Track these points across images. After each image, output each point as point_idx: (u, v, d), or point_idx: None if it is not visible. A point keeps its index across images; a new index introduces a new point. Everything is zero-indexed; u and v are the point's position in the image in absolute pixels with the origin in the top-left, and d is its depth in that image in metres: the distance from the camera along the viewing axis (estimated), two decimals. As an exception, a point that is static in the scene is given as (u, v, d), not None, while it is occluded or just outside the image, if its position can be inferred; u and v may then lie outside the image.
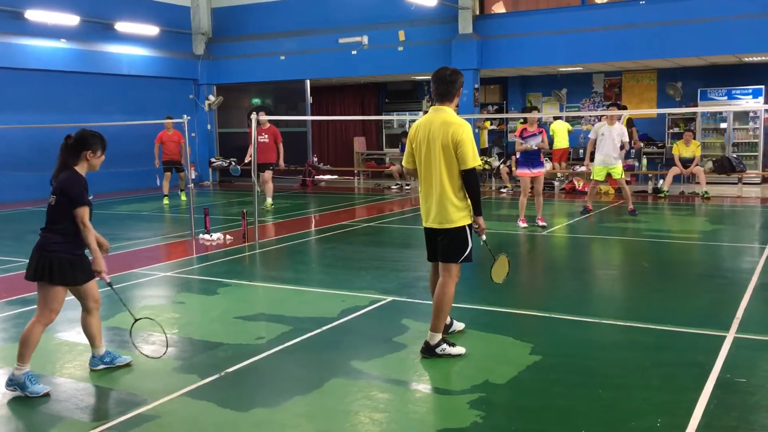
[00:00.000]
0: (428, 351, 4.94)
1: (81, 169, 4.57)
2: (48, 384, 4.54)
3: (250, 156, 13.53)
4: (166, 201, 15.01)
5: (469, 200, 4.87)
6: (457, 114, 5.03)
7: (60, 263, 4.43)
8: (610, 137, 11.54)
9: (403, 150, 18.32)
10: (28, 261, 4.53)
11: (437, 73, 4.95)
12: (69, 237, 4.49)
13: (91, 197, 4.52)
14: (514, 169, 16.87)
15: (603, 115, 11.98)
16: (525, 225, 10.58)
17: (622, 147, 11.65)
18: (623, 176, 11.98)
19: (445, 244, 4.95)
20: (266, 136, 13.88)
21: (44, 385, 4.46)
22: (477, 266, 8.56)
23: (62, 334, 5.65)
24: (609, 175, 12.03)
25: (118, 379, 4.69)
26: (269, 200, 13.76)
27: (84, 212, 4.45)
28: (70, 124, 16.21)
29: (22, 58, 16.50)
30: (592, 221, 11.66)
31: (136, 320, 4.97)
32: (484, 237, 5.04)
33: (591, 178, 12.35)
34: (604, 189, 15.24)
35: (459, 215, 4.85)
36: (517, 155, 11.10)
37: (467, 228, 4.91)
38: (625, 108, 17.86)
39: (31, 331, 4.45)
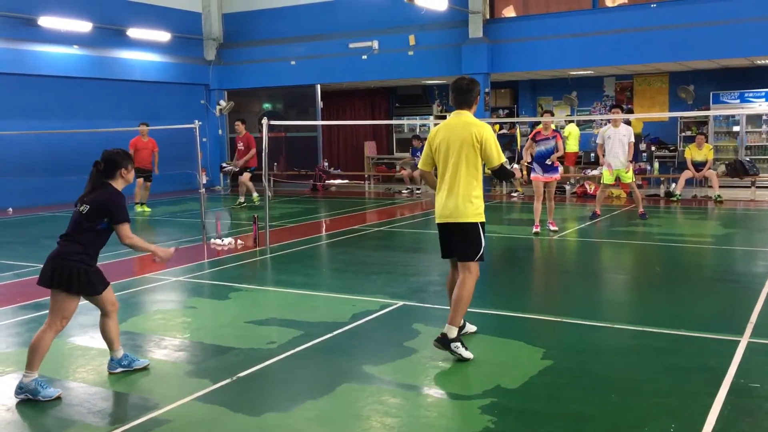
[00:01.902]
0: (443, 342, 4.98)
1: (118, 186, 4.65)
2: (61, 388, 4.57)
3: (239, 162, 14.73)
4: (139, 209, 14.73)
5: (481, 198, 5.13)
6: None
7: (79, 274, 4.45)
8: (617, 139, 11.53)
9: (413, 153, 18.38)
10: (42, 266, 4.54)
11: (455, 84, 5.21)
12: (89, 249, 4.51)
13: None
14: (524, 174, 16.87)
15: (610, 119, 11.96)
16: (537, 230, 10.51)
17: (629, 148, 11.64)
18: (633, 180, 11.94)
19: (461, 242, 5.14)
20: (241, 144, 15.42)
21: (55, 388, 4.48)
22: (487, 272, 8.55)
23: (75, 339, 5.68)
24: (619, 178, 11.99)
25: (131, 384, 4.72)
26: (241, 198, 15.26)
27: (126, 229, 4.53)
28: (83, 130, 16.40)
29: (35, 65, 16.66)
30: (604, 225, 11.61)
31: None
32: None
33: (600, 182, 12.30)
34: (616, 192, 15.18)
35: (474, 212, 5.08)
36: (527, 161, 11.01)
37: (480, 226, 5.12)
38: (631, 111, 17.80)
39: (41, 338, 4.46)
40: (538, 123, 17.82)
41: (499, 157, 5.03)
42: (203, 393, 4.48)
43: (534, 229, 10.55)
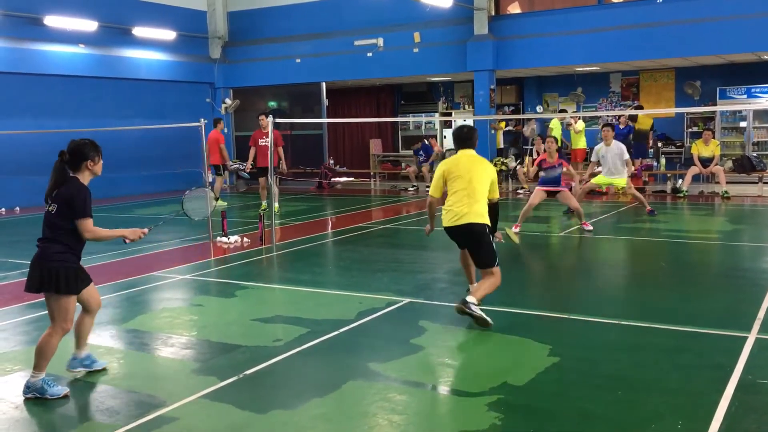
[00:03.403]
0: (463, 303, 5.57)
1: (84, 179, 4.51)
2: (69, 386, 4.58)
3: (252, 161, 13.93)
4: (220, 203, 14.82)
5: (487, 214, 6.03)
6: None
7: (66, 273, 4.40)
8: (611, 157, 11.51)
9: (416, 153, 18.37)
10: (28, 273, 4.47)
11: (458, 132, 6.19)
12: (69, 246, 4.44)
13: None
14: (526, 175, 16.80)
15: (603, 132, 11.86)
16: (516, 231, 10.07)
17: (627, 164, 11.68)
18: (631, 186, 11.91)
19: (478, 250, 5.92)
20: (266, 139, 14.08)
21: (62, 387, 4.48)
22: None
23: (82, 337, 5.69)
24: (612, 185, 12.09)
25: (137, 382, 4.73)
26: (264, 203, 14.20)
27: (88, 224, 4.39)
28: (90, 129, 16.38)
29: (42, 64, 16.70)
30: (610, 222, 11.58)
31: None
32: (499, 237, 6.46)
33: (592, 181, 12.18)
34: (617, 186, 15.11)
35: (486, 218, 5.97)
36: (530, 177, 10.86)
37: (489, 232, 5.97)
38: (640, 107, 17.73)
39: (48, 342, 4.43)
40: (547, 120, 17.78)
41: (497, 193, 6.10)
42: (210, 390, 4.48)
43: (514, 229, 10.13)
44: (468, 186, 5.90)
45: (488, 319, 5.56)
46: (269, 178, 10.59)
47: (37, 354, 4.43)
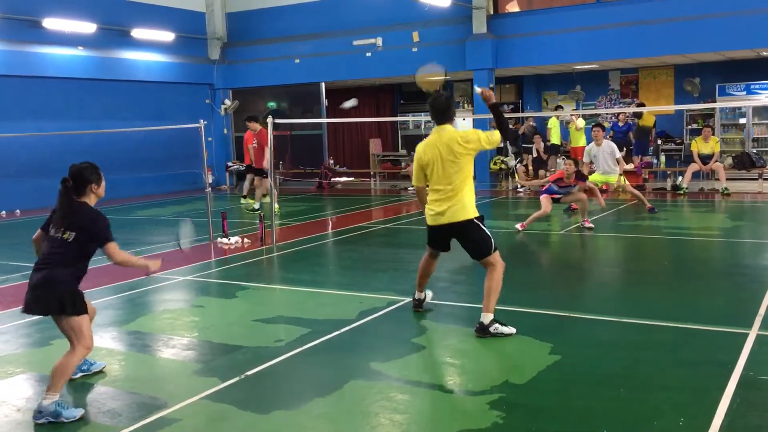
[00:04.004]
0: (482, 330, 5.32)
1: (90, 202, 4.47)
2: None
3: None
4: (244, 201, 14.91)
5: (473, 198, 5.57)
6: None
7: (73, 296, 4.32)
8: (602, 157, 11.70)
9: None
10: (29, 295, 4.34)
11: (434, 102, 5.61)
12: (78, 271, 4.39)
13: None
14: (527, 174, 16.80)
15: (594, 132, 12.02)
16: (521, 228, 10.27)
17: (618, 162, 11.81)
18: (627, 184, 12.06)
19: (469, 243, 5.53)
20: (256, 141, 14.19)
21: (76, 408, 4.26)
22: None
23: (84, 339, 5.69)
24: (607, 183, 12.20)
25: (139, 383, 4.73)
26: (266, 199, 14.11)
27: (115, 247, 4.38)
28: (89, 131, 16.45)
29: (41, 66, 16.71)
30: (610, 220, 11.57)
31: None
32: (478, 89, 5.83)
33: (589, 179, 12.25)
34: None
35: (470, 210, 5.49)
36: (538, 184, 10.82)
37: (477, 221, 5.49)
38: (643, 105, 17.73)
39: (68, 363, 4.26)
40: (546, 118, 17.77)
41: (493, 140, 5.53)
42: (212, 392, 4.49)
43: (518, 227, 10.33)
44: (441, 177, 5.45)
45: (512, 329, 5.38)
46: (269, 178, 10.58)
47: (55, 374, 4.20)
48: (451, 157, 5.40)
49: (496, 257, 5.49)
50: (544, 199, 10.46)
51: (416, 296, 6.16)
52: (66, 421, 4.12)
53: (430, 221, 5.64)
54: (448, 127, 5.54)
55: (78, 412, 4.20)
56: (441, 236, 5.68)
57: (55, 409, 4.13)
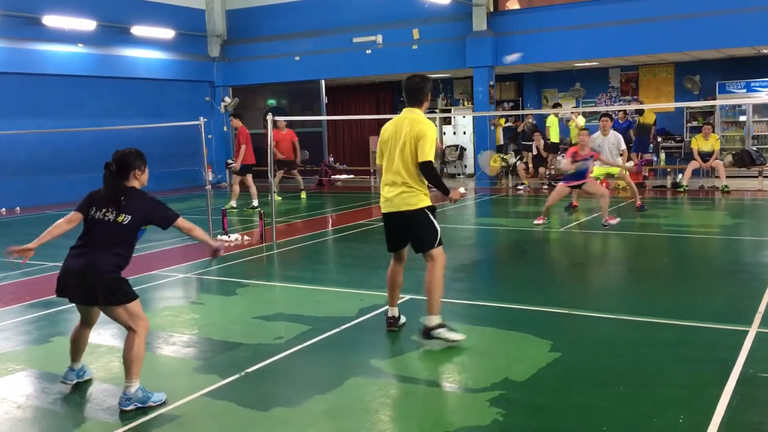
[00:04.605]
0: (426, 334, 5.13)
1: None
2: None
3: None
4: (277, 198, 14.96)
5: (425, 187, 5.17)
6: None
7: (122, 283, 4.24)
8: (607, 147, 11.74)
9: None
10: (71, 279, 4.19)
11: (407, 83, 5.28)
12: (125, 258, 4.28)
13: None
14: (527, 172, 16.79)
15: (602, 121, 12.10)
16: (540, 223, 10.49)
17: (621, 154, 11.98)
18: (626, 173, 12.16)
19: (413, 234, 5.23)
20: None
21: (158, 392, 4.29)
22: (494, 265, 8.53)
23: (84, 336, 5.69)
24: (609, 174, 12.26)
25: (140, 380, 4.72)
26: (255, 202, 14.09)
27: (184, 221, 4.41)
28: (89, 129, 16.44)
29: (40, 64, 16.69)
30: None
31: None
32: (462, 190, 5.35)
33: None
34: (622, 185, 15.12)
35: (417, 200, 5.14)
36: (568, 169, 10.82)
37: (428, 211, 5.16)
38: (642, 103, 17.72)
39: (140, 346, 4.21)
40: (546, 115, 17.76)
41: (426, 154, 4.99)
42: (212, 389, 4.49)
43: (537, 222, 10.54)
44: (391, 163, 5.15)
45: (459, 336, 5.09)
46: (270, 176, 10.58)
47: (132, 361, 4.17)
48: (411, 139, 5.05)
49: (438, 251, 5.16)
50: (559, 188, 10.60)
51: (389, 313, 5.61)
52: (154, 404, 4.19)
53: (382, 208, 5.32)
54: (417, 111, 5.22)
55: (163, 396, 4.27)
56: (394, 227, 5.31)
57: (143, 395, 4.19)
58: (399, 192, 5.14)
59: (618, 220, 10.37)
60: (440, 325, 5.11)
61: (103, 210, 4.25)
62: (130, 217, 4.23)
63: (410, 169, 5.09)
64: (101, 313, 4.46)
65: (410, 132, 5.08)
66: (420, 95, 5.23)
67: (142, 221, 4.30)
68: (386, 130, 5.29)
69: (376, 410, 4.11)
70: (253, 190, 14.14)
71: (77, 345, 4.59)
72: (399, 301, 5.71)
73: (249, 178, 14.19)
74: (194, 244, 10.29)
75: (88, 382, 4.70)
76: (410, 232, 5.24)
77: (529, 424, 3.85)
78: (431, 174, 5.09)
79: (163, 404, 4.23)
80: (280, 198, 15.43)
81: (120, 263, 4.26)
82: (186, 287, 7.66)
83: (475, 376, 4.62)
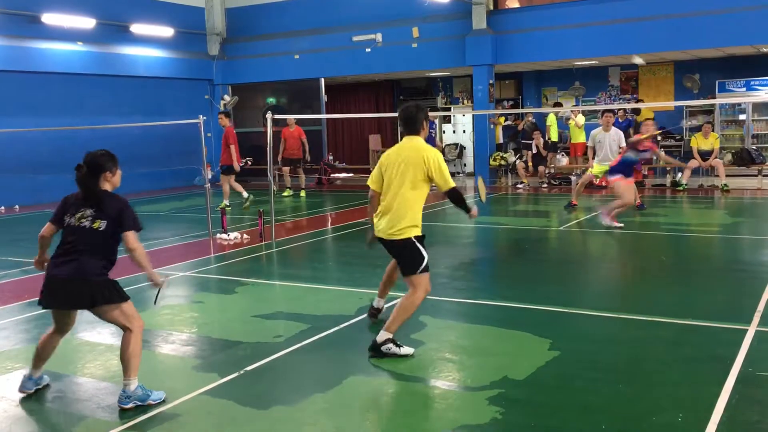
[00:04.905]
0: (374, 349, 4.94)
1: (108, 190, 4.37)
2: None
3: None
4: (302, 194, 15.64)
5: (418, 217, 5.10)
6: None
7: (113, 284, 4.27)
8: (608, 143, 11.65)
9: None
10: (65, 291, 4.19)
11: (403, 112, 5.23)
12: (111, 261, 4.29)
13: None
14: (526, 170, 16.77)
15: (604, 117, 12.10)
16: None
17: (621, 151, 11.77)
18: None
19: (400, 259, 5.17)
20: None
21: (158, 391, 4.30)
22: (494, 263, 8.54)
23: (82, 335, 5.70)
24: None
25: (139, 379, 4.71)
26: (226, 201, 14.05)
27: (136, 238, 4.25)
28: (88, 127, 16.42)
29: (40, 62, 16.68)
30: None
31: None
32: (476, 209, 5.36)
33: (588, 171, 12.25)
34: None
35: (405, 229, 5.04)
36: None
37: (415, 240, 5.06)
38: (641, 102, 17.71)
39: (136, 344, 4.23)
40: (545, 114, 17.76)
41: (446, 183, 5.02)
42: (211, 387, 4.49)
43: (612, 222, 10.11)
44: (389, 189, 5.10)
45: (409, 350, 4.95)
46: (269, 175, 10.56)
47: (129, 359, 4.19)
48: (406, 166, 5.02)
49: (421, 279, 5.01)
50: (625, 188, 9.96)
51: (375, 303, 5.78)
52: (153, 403, 4.19)
53: (375, 230, 5.26)
54: (418, 138, 5.17)
55: (163, 394, 4.27)
56: (387, 249, 5.26)
57: (142, 393, 4.20)
58: (390, 221, 5.06)
59: (620, 225, 9.99)
60: (390, 340, 4.93)
61: (78, 215, 4.23)
62: (105, 222, 4.21)
63: (406, 197, 5.03)
64: (94, 316, 4.42)
65: (417, 159, 5.03)
66: (416, 123, 5.19)
67: (115, 224, 4.23)
68: (388, 156, 5.22)
69: (375, 408, 4.11)
70: (227, 189, 14.16)
71: (43, 353, 4.48)
72: (391, 303, 5.71)
73: (231, 179, 14.19)
74: (193, 242, 10.29)
75: (88, 380, 4.70)
76: (398, 257, 5.21)
77: (529, 423, 3.85)
78: (457, 199, 5.13)
79: (163, 403, 4.24)
80: (290, 195, 15.68)
81: (107, 266, 4.29)
82: (185, 285, 7.66)
83: (475, 375, 4.62)
